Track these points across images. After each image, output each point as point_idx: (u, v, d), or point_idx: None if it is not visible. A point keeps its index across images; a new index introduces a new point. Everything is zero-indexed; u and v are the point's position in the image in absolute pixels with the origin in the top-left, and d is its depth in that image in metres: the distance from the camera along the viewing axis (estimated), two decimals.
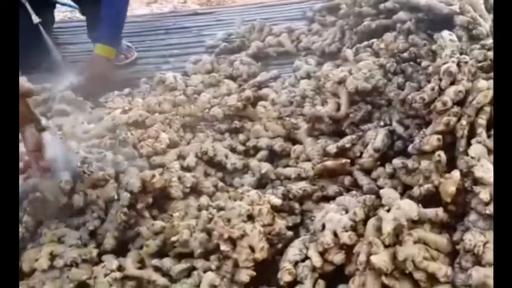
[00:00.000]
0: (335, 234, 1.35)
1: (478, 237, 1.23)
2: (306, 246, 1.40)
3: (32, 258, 1.49)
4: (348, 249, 1.35)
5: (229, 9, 3.20)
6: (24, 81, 1.44)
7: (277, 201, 1.52)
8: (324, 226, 1.39)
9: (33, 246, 1.53)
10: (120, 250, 1.52)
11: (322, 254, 1.35)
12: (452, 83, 1.46)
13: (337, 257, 1.34)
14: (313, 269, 1.34)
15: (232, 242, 1.39)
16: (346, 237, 1.33)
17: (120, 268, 1.43)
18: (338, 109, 1.79)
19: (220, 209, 1.49)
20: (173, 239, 1.43)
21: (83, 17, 2.87)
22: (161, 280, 1.38)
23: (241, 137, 1.88)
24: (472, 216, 1.29)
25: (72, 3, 2.97)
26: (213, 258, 1.40)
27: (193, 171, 1.72)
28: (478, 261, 1.22)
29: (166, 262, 1.41)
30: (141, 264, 1.46)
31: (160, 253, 1.47)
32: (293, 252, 1.39)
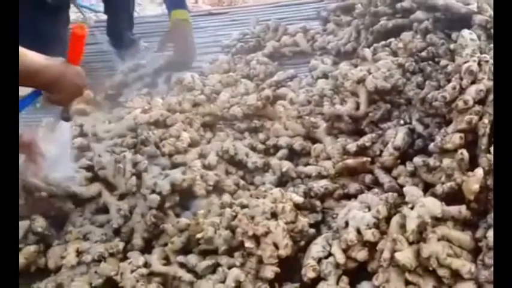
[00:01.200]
0: (358, 232, 1.37)
1: None
2: (329, 243, 1.41)
3: (58, 256, 1.53)
4: (371, 247, 1.37)
5: (243, 9, 3.21)
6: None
7: (299, 199, 1.54)
8: (347, 223, 1.41)
9: (59, 244, 1.57)
10: (145, 247, 1.54)
11: (345, 251, 1.37)
12: (473, 82, 1.47)
13: (361, 254, 1.36)
14: (337, 265, 1.36)
15: (256, 239, 1.41)
16: (369, 235, 1.35)
17: (145, 264, 1.45)
18: (357, 108, 1.81)
19: (243, 206, 1.50)
20: (198, 236, 1.45)
21: (95, 18, 2.93)
22: (187, 276, 1.40)
23: (261, 136, 1.90)
24: None
25: (84, 4, 3.02)
26: (237, 255, 1.41)
27: (215, 170, 1.74)
28: None
29: (192, 259, 1.44)
30: (166, 261, 1.48)
31: (185, 250, 1.49)
32: (316, 249, 1.41)
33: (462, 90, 1.48)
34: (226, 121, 1.99)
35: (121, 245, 1.50)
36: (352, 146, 1.69)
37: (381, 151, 1.66)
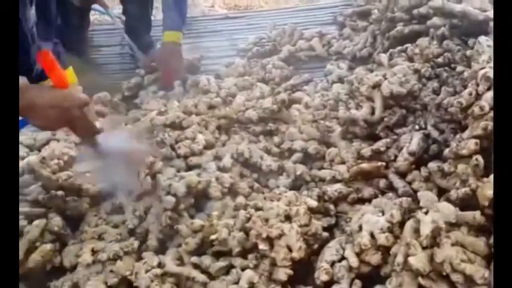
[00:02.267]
0: (372, 236, 1.37)
1: None
2: (343, 246, 1.42)
3: (73, 254, 1.54)
4: (384, 251, 1.37)
5: (260, 14, 3.23)
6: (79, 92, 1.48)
7: (313, 203, 1.55)
8: (360, 227, 1.41)
9: (74, 243, 1.58)
10: (159, 248, 1.56)
11: (358, 254, 1.38)
12: (489, 88, 1.47)
13: (374, 258, 1.36)
14: (350, 269, 1.37)
15: (270, 241, 1.42)
16: (383, 239, 1.35)
17: (160, 265, 1.46)
18: (372, 113, 1.81)
19: (257, 209, 1.51)
20: (212, 237, 1.46)
21: (112, 21, 2.97)
22: (200, 277, 1.41)
23: (276, 139, 1.91)
24: None
25: (101, 9, 3.07)
26: (251, 257, 1.42)
27: (229, 172, 1.75)
28: None
29: (206, 260, 1.44)
30: (180, 261, 1.49)
31: (199, 251, 1.50)
32: (330, 252, 1.41)
33: (478, 96, 1.48)
34: (241, 124, 2.00)
35: (136, 244, 1.52)
36: (366, 151, 1.70)
37: (396, 156, 1.66)
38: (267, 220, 1.45)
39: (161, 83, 2.43)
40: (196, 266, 1.45)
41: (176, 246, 1.54)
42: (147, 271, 1.43)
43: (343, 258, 1.39)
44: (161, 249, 1.55)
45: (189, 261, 1.47)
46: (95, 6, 2.98)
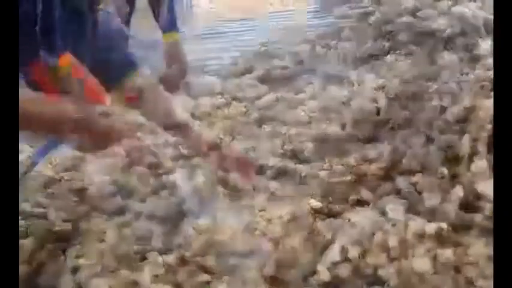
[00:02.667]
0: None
1: None
2: (346, 247, 1.42)
3: (77, 255, 1.54)
4: (387, 252, 1.37)
5: (265, 15, 3.23)
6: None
7: (317, 204, 1.55)
8: (364, 228, 1.41)
9: (78, 243, 1.58)
10: (163, 248, 1.55)
11: (361, 255, 1.38)
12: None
13: (377, 259, 1.36)
14: (353, 270, 1.37)
15: (274, 241, 1.42)
16: (386, 240, 1.35)
17: (164, 265, 1.46)
18: (377, 114, 1.81)
19: (261, 209, 1.51)
20: (216, 237, 1.46)
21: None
22: (204, 277, 1.41)
23: (279, 140, 1.91)
24: None
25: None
26: (255, 257, 1.42)
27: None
28: None
29: (210, 260, 1.45)
30: (184, 261, 1.49)
31: (203, 251, 1.50)
32: (333, 253, 1.41)
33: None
34: (245, 125, 2.00)
35: (140, 244, 1.51)
36: (370, 152, 1.70)
37: (400, 157, 1.66)
38: (270, 220, 1.45)
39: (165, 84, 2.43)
40: (200, 266, 1.45)
41: (180, 247, 1.54)
42: (151, 271, 1.43)
43: (346, 259, 1.39)
44: (165, 250, 1.55)
45: (193, 262, 1.47)
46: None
